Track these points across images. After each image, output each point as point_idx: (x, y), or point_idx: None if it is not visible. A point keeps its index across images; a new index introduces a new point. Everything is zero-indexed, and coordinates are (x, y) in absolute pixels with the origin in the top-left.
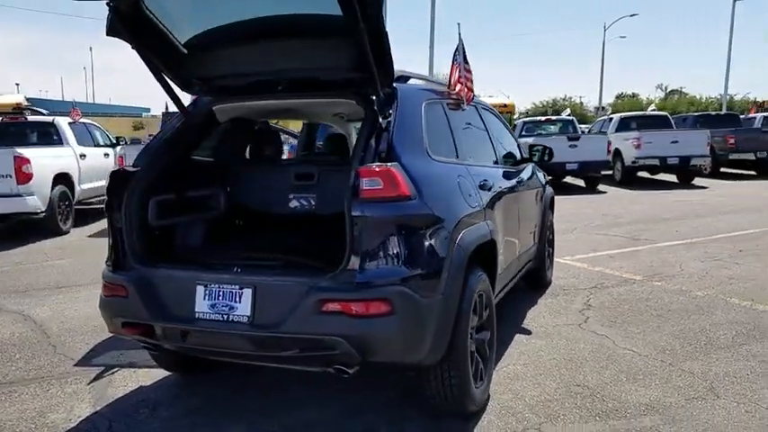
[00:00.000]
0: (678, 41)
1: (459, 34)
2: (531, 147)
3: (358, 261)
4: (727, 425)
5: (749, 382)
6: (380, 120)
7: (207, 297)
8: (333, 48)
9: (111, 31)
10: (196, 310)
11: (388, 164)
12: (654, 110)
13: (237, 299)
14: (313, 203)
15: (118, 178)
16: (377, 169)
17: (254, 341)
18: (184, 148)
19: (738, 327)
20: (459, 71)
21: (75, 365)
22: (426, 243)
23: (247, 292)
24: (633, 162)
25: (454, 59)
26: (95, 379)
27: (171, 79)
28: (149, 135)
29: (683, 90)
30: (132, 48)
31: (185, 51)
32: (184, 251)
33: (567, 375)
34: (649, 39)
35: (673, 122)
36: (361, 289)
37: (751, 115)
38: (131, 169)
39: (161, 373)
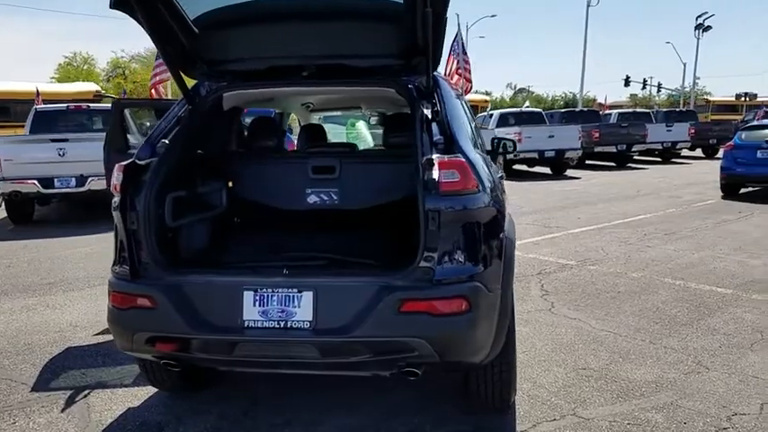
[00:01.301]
0: (531, 42)
1: (458, 25)
2: (498, 140)
3: (434, 257)
4: (733, 394)
5: (725, 353)
6: (429, 109)
7: (257, 303)
8: (376, 32)
9: (117, 4)
10: (244, 318)
11: (457, 155)
12: (528, 107)
13: (296, 303)
14: (335, 198)
15: (131, 172)
16: (454, 161)
17: (319, 348)
18: (193, 140)
19: (686, 304)
20: (458, 62)
21: (32, 391)
22: (490, 236)
23: (307, 296)
24: (515, 155)
25: (452, 50)
26: (68, 405)
27: (177, 61)
28: None
29: (530, 88)
30: (140, 23)
31: (196, 30)
32: (194, 254)
33: (569, 360)
34: (505, 39)
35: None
36: (440, 286)
37: (607, 112)
38: (142, 162)
39: (144, 392)
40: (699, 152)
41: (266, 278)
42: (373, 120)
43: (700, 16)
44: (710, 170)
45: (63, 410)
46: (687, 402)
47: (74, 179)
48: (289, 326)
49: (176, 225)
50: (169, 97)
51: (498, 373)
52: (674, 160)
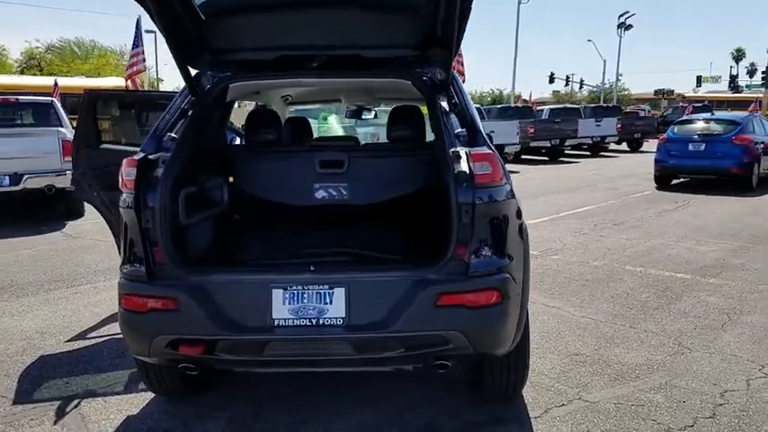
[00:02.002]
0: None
1: None
2: None
3: (467, 250)
4: (719, 372)
5: (701, 335)
6: (447, 101)
7: (288, 301)
8: (391, 22)
9: None
10: (274, 316)
11: (483, 147)
12: None
13: (328, 300)
14: (344, 193)
15: (144, 168)
16: (486, 153)
17: (353, 344)
18: (201, 133)
19: (652, 289)
20: None
21: (15, 404)
22: (514, 227)
23: (339, 292)
24: None
25: None
26: (60, 416)
27: (182, 50)
28: None
29: None
30: (146, 9)
31: (202, 17)
32: (201, 252)
33: (560, 347)
34: None
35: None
36: (474, 279)
37: (539, 108)
38: (153, 157)
39: (140, 399)
40: (624, 146)
41: (295, 275)
42: (368, 112)
43: (622, 15)
44: (637, 163)
45: (56, 422)
46: (680, 382)
47: (7, 177)
48: (321, 323)
49: (188, 223)
50: (145, 89)
51: (514, 361)
52: (602, 154)
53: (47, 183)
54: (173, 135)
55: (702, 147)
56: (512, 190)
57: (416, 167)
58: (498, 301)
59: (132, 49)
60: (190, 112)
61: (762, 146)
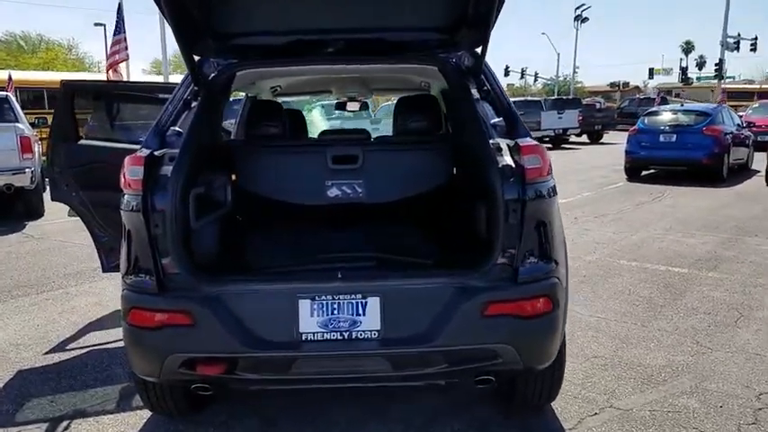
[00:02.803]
0: None
1: None
2: None
3: (514, 253)
4: (748, 373)
5: (717, 333)
6: (478, 89)
7: (317, 313)
8: (416, 2)
9: None
10: (301, 330)
11: (527, 139)
12: None
13: (361, 311)
14: (359, 190)
15: (151, 166)
16: (536, 145)
17: (391, 360)
18: (206, 127)
19: (653, 285)
20: None
21: None
22: (559, 226)
23: (373, 302)
24: None
25: None
26: None
27: (187, 35)
28: None
29: None
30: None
31: None
32: (208, 258)
33: (576, 349)
34: None
35: None
36: (524, 285)
37: None
38: (158, 154)
39: (136, 418)
40: (584, 138)
41: (323, 283)
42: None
43: (578, 8)
44: (601, 154)
45: None
46: (710, 385)
47: None
48: (354, 336)
49: (197, 227)
50: (131, 79)
51: (551, 371)
52: (563, 146)
53: (5, 182)
54: (177, 129)
55: (674, 138)
56: (555, 185)
57: (436, 162)
58: (550, 309)
59: (114, 35)
60: (194, 104)
61: (731, 136)
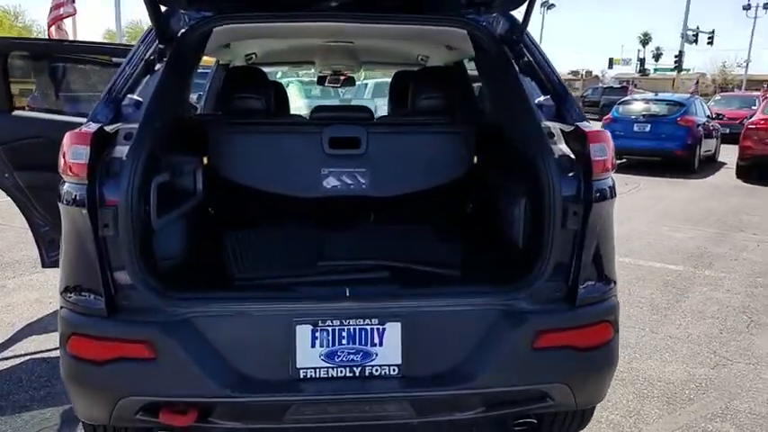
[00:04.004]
0: None
1: None
2: None
3: (570, 268)
4: None
5: (731, 341)
6: (516, 59)
7: (319, 342)
8: None
9: None
10: (299, 365)
11: (585, 122)
12: None
13: (376, 340)
14: (363, 181)
15: (100, 145)
16: (602, 132)
17: (414, 405)
18: (173, 96)
19: (652, 284)
20: None
21: None
22: (614, 232)
23: (393, 329)
24: None
25: None
26: None
27: None
28: None
29: None
30: None
31: None
32: (174, 266)
33: None
34: None
35: None
36: (582, 309)
37: None
38: (111, 129)
39: None
40: None
41: (327, 303)
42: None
43: None
44: None
45: None
46: (741, 405)
47: None
48: (367, 374)
49: (161, 226)
50: (78, 39)
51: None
52: None
53: None
54: (136, 98)
55: (647, 128)
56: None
57: (457, 147)
58: (610, 337)
59: None
60: (158, 67)
61: (702, 128)
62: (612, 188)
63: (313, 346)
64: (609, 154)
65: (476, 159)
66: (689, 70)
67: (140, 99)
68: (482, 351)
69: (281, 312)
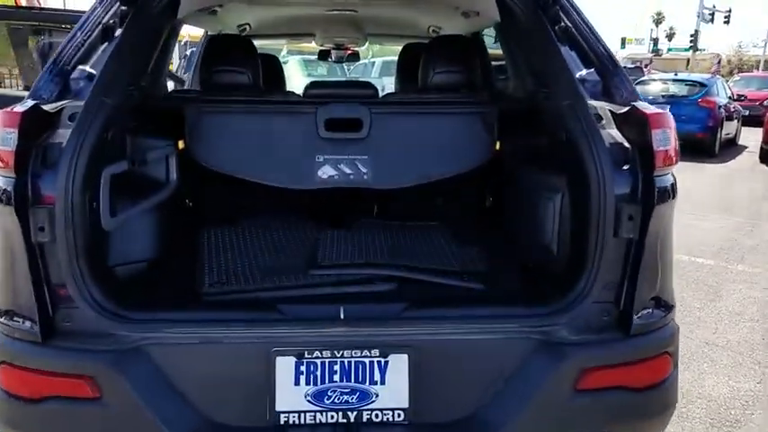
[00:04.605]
0: None
1: None
2: None
3: (622, 286)
4: None
5: None
6: (552, 25)
7: (304, 379)
8: None
9: None
10: (279, 408)
11: (644, 102)
12: None
13: (377, 377)
14: (364, 171)
15: (35, 129)
16: (666, 115)
17: None
18: (135, 68)
19: (681, 280)
20: None
21: None
22: (673, 240)
23: (398, 362)
24: None
25: None
26: None
27: None
28: None
29: None
30: None
31: None
32: (137, 278)
33: None
34: None
35: None
36: (637, 339)
37: None
38: (51, 108)
39: None
40: None
41: (315, 330)
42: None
43: None
44: None
45: None
46: None
47: None
48: (365, 419)
49: (114, 226)
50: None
51: None
52: None
53: None
54: (89, 70)
55: (667, 109)
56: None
57: (477, 131)
58: (669, 372)
59: None
60: (119, 32)
61: (724, 109)
62: (674, 186)
63: (297, 383)
64: (673, 142)
65: (498, 145)
66: (703, 50)
67: (94, 72)
68: (511, 393)
69: (257, 339)
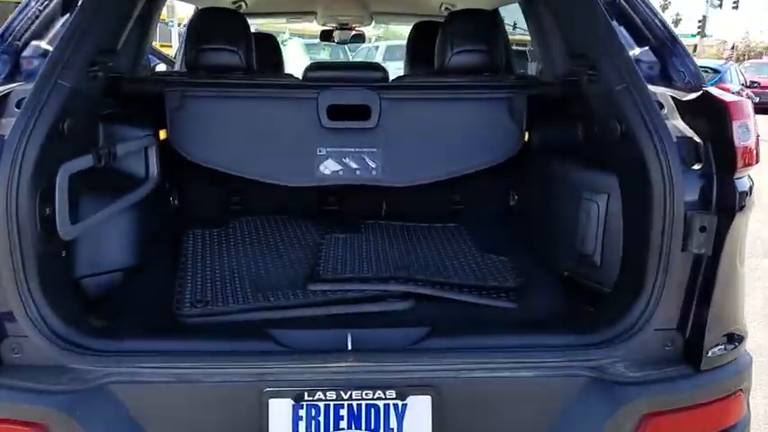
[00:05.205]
0: None
1: None
2: None
3: (693, 313)
4: None
5: None
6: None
7: (304, 427)
8: None
9: None
10: None
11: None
12: None
13: (393, 424)
14: (373, 166)
15: None
16: (744, 102)
17: None
18: (99, 43)
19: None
20: None
21: None
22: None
23: (420, 406)
24: None
25: None
26: None
27: None
28: None
29: None
30: None
31: None
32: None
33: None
34: None
35: None
36: (708, 374)
37: None
38: None
39: None
40: None
41: (318, 364)
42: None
43: None
44: None
45: None
46: None
47: None
48: None
49: (75, 234)
50: None
51: None
52: None
53: None
54: (44, 46)
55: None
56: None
57: (504, 119)
58: (744, 414)
59: None
60: (81, 1)
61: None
62: (752, 190)
63: (294, 431)
64: (753, 138)
65: (527, 136)
66: (710, 36)
67: (50, 48)
68: None
69: (246, 377)
